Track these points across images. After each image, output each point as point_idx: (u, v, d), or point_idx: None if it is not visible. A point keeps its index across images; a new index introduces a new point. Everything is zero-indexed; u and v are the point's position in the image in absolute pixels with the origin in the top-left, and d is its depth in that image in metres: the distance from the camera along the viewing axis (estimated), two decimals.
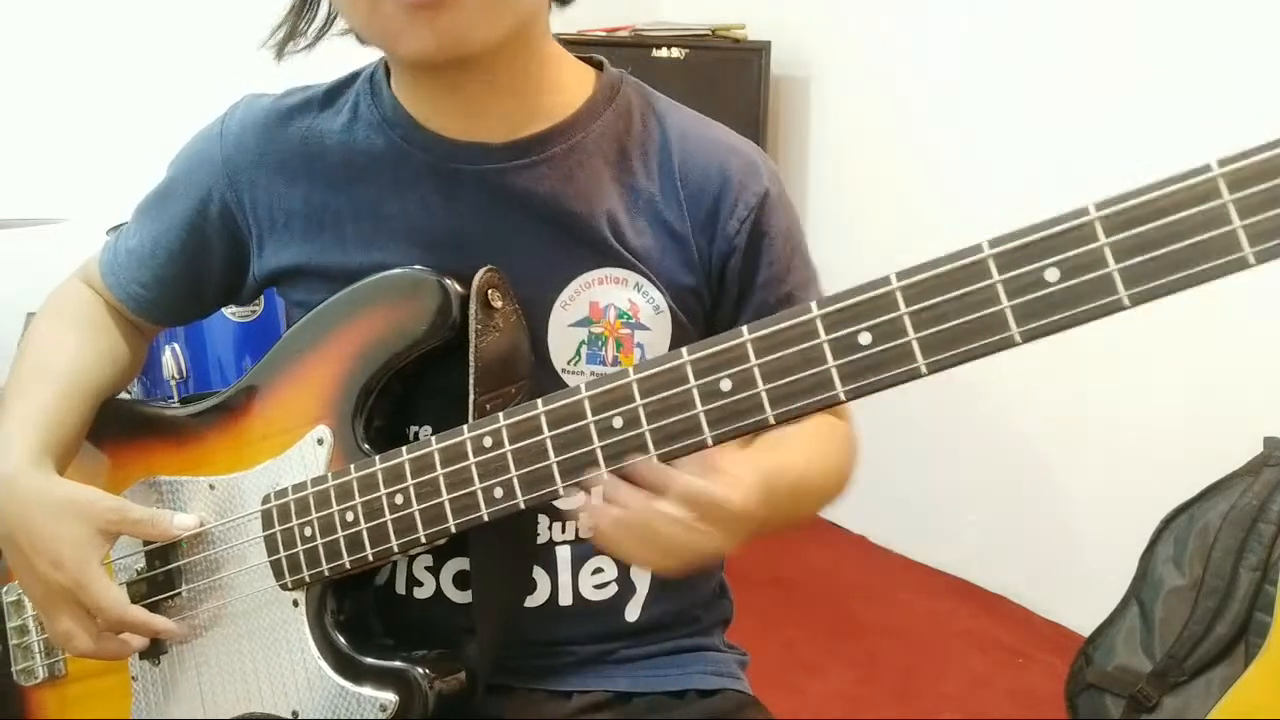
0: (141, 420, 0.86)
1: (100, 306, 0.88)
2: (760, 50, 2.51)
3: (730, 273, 0.78)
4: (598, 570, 0.79)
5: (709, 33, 2.52)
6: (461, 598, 0.78)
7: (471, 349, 0.70)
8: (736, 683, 0.86)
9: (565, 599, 0.78)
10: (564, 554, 0.78)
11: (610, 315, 0.76)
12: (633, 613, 0.80)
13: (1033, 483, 2.20)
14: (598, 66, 0.80)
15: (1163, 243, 0.47)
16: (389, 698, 0.70)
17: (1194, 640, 1.55)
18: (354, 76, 0.81)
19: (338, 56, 0.80)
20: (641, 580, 0.80)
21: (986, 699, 1.92)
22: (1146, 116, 1.86)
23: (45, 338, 0.86)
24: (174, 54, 2.24)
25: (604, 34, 2.51)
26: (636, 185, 0.76)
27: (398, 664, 0.72)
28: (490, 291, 0.71)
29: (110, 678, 0.82)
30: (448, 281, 0.70)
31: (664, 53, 2.42)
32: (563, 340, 0.76)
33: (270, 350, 0.79)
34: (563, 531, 0.78)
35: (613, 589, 0.79)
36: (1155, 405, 1.94)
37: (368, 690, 0.71)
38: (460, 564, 0.78)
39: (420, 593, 0.79)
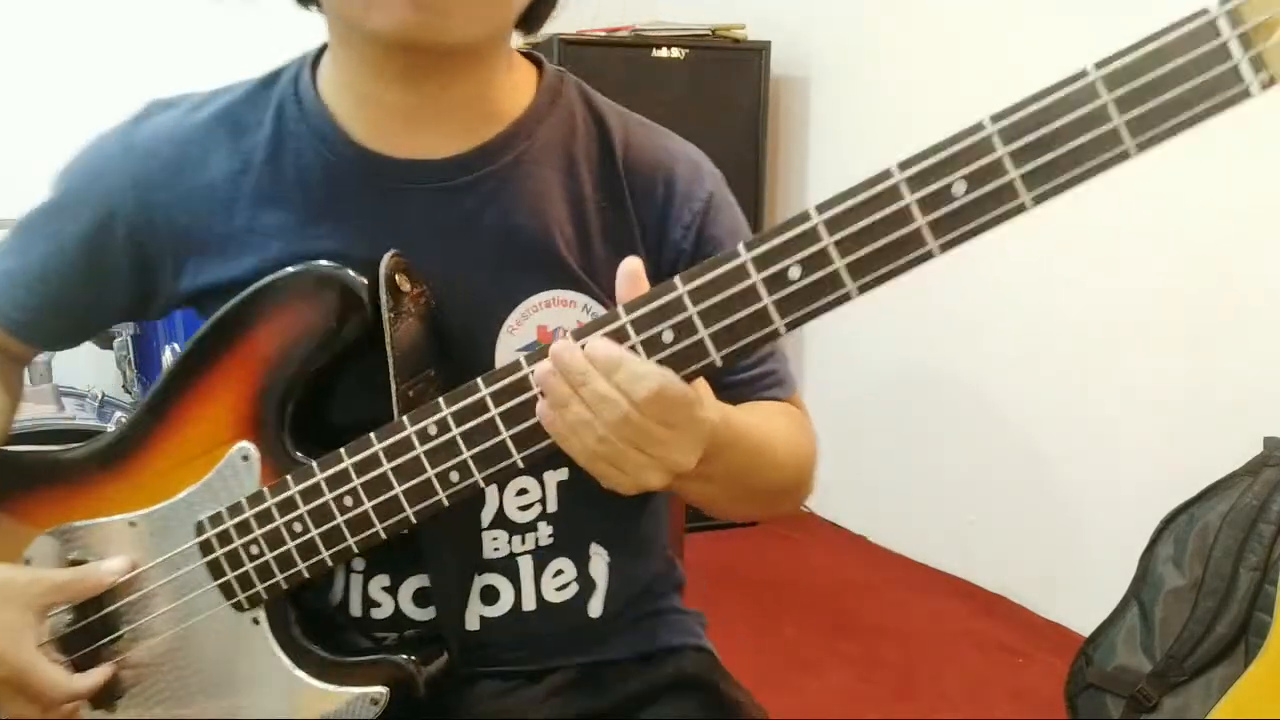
0: (34, 470, 0.79)
1: None
2: (760, 50, 2.51)
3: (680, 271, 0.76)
4: (558, 573, 0.79)
5: (709, 33, 2.52)
6: (423, 615, 0.76)
7: (388, 339, 0.67)
8: (698, 640, 0.88)
9: (529, 604, 0.78)
10: (526, 563, 0.78)
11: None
12: (595, 608, 0.81)
13: (1033, 483, 2.20)
14: (536, 63, 0.78)
15: (1054, 145, 0.50)
16: (379, 691, 0.69)
17: (1194, 640, 1.55)
18: (273, 78, 0.76)
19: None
20: (600, 575, 0.81)
21: (986, 699, 1.92)
22: None
23: None
24: (173, 54, 2.24)
25: (604, 34, 2.51)
26: (584, 195, 0.75)
27: (380, 656, 0.70)
28: (398, 276, 0.68)
29: None
30: (351, 274, 0.67)
31: (664, 53, 2.42)
32: None
33: (162, 374, 0.74)
34: (523, 544, 0.77)
35: (574, 589, 0.80)
36: (1155, 405, 1.94)
37: (356, 688, 0.70)
38: (420, 581, 0.76)
39: (378, 613, 0.77)
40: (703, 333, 0.58)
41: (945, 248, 0.54)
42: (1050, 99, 0.51)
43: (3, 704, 0.75)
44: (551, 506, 0.77)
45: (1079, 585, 2.08)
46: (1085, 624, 1.78)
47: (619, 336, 0.59)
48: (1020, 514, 2.24)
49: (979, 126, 0.52)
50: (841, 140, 2.56)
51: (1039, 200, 0.52)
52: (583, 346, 0.58)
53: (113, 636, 0.76)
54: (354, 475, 0.67)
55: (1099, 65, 0.49)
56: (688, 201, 0.76)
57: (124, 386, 2.03)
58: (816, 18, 2.54)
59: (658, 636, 0.85)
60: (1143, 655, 1.62)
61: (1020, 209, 0.52)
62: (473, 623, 0.78)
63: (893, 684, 1.97)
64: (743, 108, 2.49)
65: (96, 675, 0.75)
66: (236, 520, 0.70)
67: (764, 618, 2.05)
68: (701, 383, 0.62)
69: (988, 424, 2.27)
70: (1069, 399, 2.10)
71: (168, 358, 1.74)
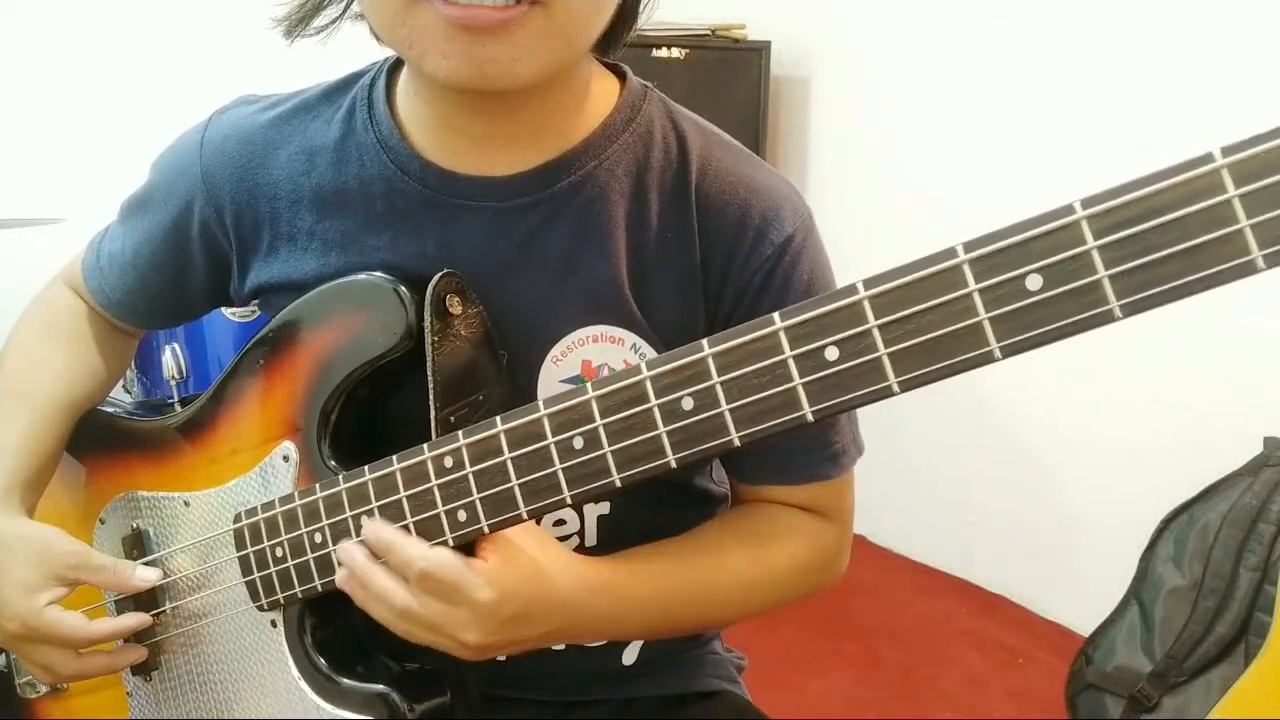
0: (120, 433, 0.84)
1: (83, 315, 0.86)
2: (760, 50, 2.50)
3: (736, 320, 0.69)
4: None
5: (709, 33, 2.52)
6: None
7: (429, 362, 0.64)
8: (734, 686, 0.86)
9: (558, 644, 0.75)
10: None
11: (603, 375, 0.69)
12: (629, 657, 0.79)
13: (1033, 483, 2.20)
14: (621, 76, 0.73)
15: (1159, 246, 0.41)
16: None
17: (1194, 640, 1.55)
18: (351, 81, 0.75)
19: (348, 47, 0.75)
20: None
21: (986, 699, 1.92)
22: (1146, 114, 1.86)
23: (26, 352, 0.84)
24: (174, 53, 2.24)
25: None
26: (649, 222, 0.69)
27: (376, 687, 0.69)
28: (448, 298, 0.65)
29: (107, 692, 0.82)
30: (402, 289, 0.66)
31: (664, 53, 2.42)
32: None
33: (236, 357, 0.76)
34: None
35: None
36: (1155, 406, 1.94)
37: (347, 713, 0.69)
38: None
39: None
40: (723, 407, 0.51)
41: (1009, 351, 0.45)
42: (1157, 187, 0.41)
43: (32, 661, 0.76)
44: (590, 540, 0.74)
45: (1079, 585, 2.08)
46: (1085, 624, 1.78)
47: (639, 396, 0.54)
48: (1020, 514, 2.24)
49: (1066, 210, 0.43)
50: (841, 140, 2.56)
51: (1131, 311, 0.42)
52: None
53: (157, 610, 0.78)
54: (373, 495, 0.64)
55: (1226, 152, 0.40)
56: (759, 243, 0.69)
57: (124, 387, 2.03)
58: (816, 18, 2.53)
59: (692, 679, 0.83)
60: (1143, 655, 1.62)
61: (1108, 318, 0.43)
62: None
63: (893, 684, 1.97)
64: (743, 108, 2.49)
65: (122, 622, 0.75)
66: (267, 517, 0.71)
67: (764, 618, 2.05)
68: (502, 551, 0.60)
69: (988, 424, 2.27)
70: (1069, 399, 2.10)
71: (168, 358, 1.74)
